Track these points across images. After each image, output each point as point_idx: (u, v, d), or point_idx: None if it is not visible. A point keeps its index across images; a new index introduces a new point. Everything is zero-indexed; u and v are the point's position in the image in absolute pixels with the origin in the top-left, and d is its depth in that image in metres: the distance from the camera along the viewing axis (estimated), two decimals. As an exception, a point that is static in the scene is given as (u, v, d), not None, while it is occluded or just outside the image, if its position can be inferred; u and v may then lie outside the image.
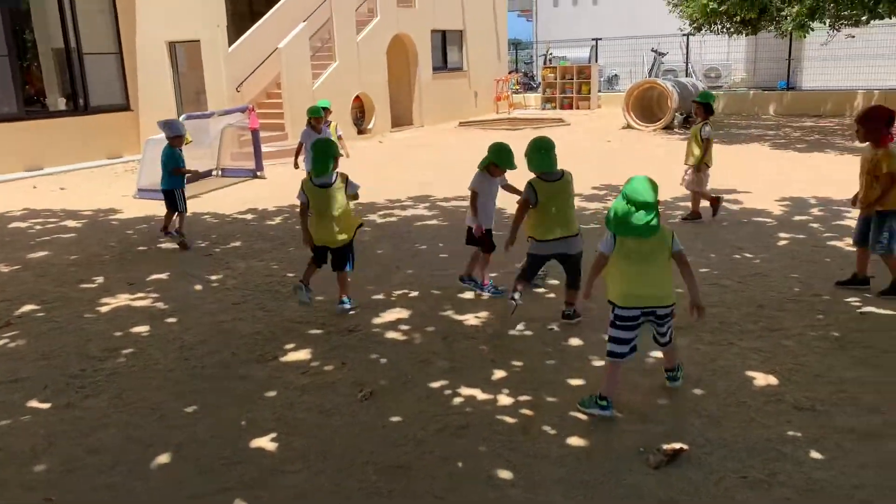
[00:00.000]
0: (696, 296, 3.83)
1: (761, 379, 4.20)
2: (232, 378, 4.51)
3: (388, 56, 17.67)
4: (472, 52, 21.07)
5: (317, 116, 9.14)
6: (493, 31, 22.10)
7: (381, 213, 9.18)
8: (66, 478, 3.47)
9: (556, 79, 22.60)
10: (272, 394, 4.26)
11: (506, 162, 5.52)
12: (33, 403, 4.25)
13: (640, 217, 3.59)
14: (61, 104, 14.59)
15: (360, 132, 17.17)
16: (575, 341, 4.86)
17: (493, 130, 18.25)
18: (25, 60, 14.14)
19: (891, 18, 14.21)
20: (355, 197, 5.63)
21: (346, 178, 5.51)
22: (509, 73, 24.71)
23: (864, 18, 14.19)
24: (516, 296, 5.16)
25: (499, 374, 4.40)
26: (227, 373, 4.59)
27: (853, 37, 15.83)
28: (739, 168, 11.39)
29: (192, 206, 9.67)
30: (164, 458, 3.61)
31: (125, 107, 15.17)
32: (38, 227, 9.05)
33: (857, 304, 5.33)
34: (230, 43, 14.35)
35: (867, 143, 5.45)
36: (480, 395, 4.12)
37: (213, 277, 6.67)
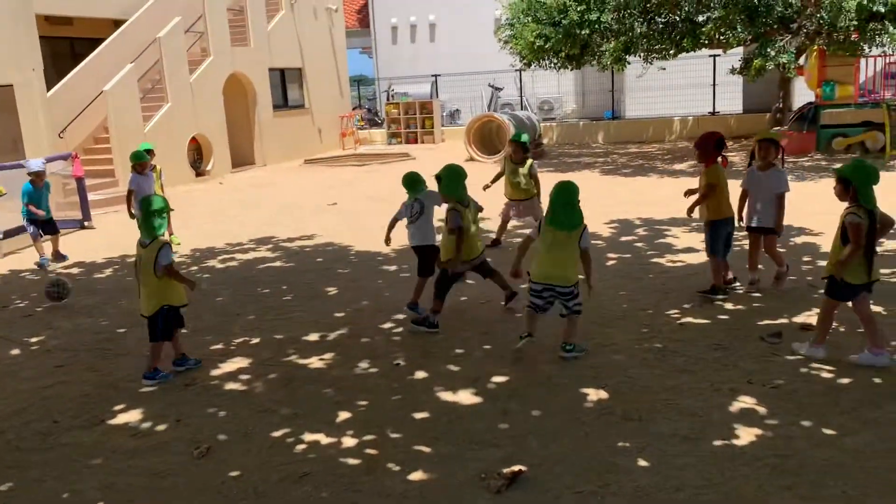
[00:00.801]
0: (589, 278, 4.98)
1: (593, 394, 4.42)
2: (53, 448, 4.15)
3: (225, 95, 17.26)
4: (314, 90, 21.01)
5: (142, 161, 8.76)
6: (333, 69, 22.17)
7: (220, 257, 8.88)
8: None
9: (399, 114, 22.96)
10: (98, 461, 3.96)
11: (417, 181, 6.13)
12: None
13: (567, 213, 4.84)
14: None
15: (199, 174, 16.59)
16: (421, 374, 4.90)
17: (340, 167, 18.25)
18: None
19: (695, 51, 15.67)
20: (165, 270, 4.92)
21: (161, 245, 4.93)
22: (353, 109, 24.85)
23: (671, 52, 15.55)
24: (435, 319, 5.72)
25: (343, 415, 4.34)
26: (47, 443, 4.23)
27: (664, 69, 17.26)
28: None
29: (11, 264, 8.96)
30: (-30, 548, 3.26)
31: (-72, 158, 13.77)
32: None
33: (677, 315, 5.75)
34: (49, 87, 13.46)
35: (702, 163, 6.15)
36: (324, 439, 4.04)
37: (34, 339, 6.16)
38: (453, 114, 25.03)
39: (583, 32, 15.01)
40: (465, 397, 4.50)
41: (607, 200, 11.29)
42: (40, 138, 13.07)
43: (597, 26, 14.92)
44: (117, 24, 16.41)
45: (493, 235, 8.48)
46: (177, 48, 15.61)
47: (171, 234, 9.35)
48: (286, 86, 20.11)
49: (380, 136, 23.92)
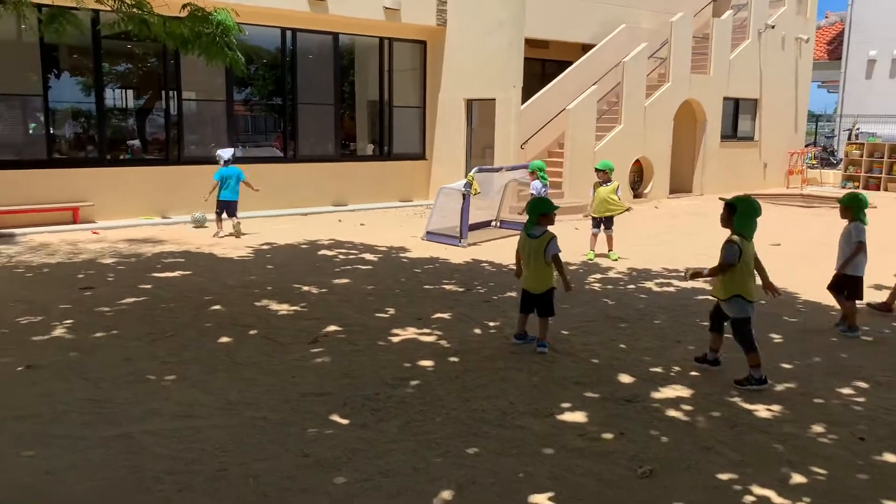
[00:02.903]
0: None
1: None
2: (510, 427, 4.59)
3: (675, 121, 17.34)
4: (767, 122, 19.91)
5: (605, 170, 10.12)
6: (792, 102, 20.71)
7: (657, 280, 8.91)
8: (362, 495, 3.74)
9: (862, 156, 20.52)
10: (549, 451, 4.25)
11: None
12: (335, 417, 4.69)
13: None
14: (368, 150, 16.33)
15: (636, 196, 16.96)
16: (891, 457, 4.25)
17: (782, 206, 17.01)
18: (346, 109, 16.07)
19: None
20: (555, 260, 6.06)
21: (551, 237, 6.04)
22: (806, 146, 22.94)
23: None
24: None
25: (797, 478, 3.97)
26: (505, 420, 4.68)
27: None
28: None
29: (476, 253, 10.19)
30: (446, 495, 3.75)
31: (421, 156, 16.55)
32: (342, 256, 10.12)
33: None
34: (521, 102, 15.05)
35: None
36: (776, 497, 3.74)
37: (491, 324, 6.92)
38: (932, 161, 21.49)
39: None
40: (954, 500, 3.77)
41: None
42: (508, 147, 14.74)
43: None
44: (585, 48, 17.59)
45: None
46: (638, 73, 16.15)
47: (611, 249, 10.07)
48: (738, 116, 19.41)
49: (832, 177, 21.71)
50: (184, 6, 6.96)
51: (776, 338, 6.62)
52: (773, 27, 19.23)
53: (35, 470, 3.94)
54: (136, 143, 13.70)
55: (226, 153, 11.81)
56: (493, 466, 4.07)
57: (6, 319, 6.76)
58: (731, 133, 19.35)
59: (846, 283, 6.79)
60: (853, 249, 6.72)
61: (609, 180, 10.11)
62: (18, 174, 11.70)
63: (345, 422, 4.62)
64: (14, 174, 11.66)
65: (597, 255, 10.22)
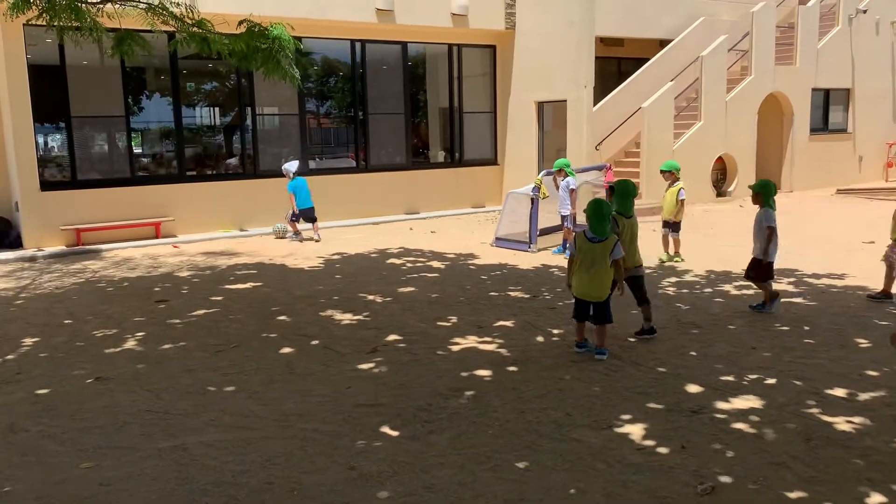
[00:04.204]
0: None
1: None
2: (564, 440, 4.40)
3: (759, 115, 16.57)
4: (861, 112, 18.78)
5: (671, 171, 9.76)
6: (889, 89, 19.46)
7: (736, 283, 8.48)
8: (403, 509, 3.66)
9: (969, 144, 19.07)
10: (603, 466, 4.04)
11: None
12: (385, 429, 4.61)
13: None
14: (440, 157, 16.32)
15: (720, 195, 16.29)
16: None
17: (880, 200, 15.97)
18: (416, 118, 16.12)
19: None
20: (616, 265, 5.82)
21: (616, 241, 5.84)
22: (906, 136, 21.50)
23: None
24: None
25: (876, 497, 3.63)
26: (560, 433, 4.50)
27: None
28: None
29: (544, 259, 9.97)
30: (491, 511, 3.61)
31: (493, 161, 16.42)
32: (409, 264, 10.10)
33: None
34: (595, 102, 14.71)
35: None
36: (852, 519, 3.43)
37: (555, 331, 6.71)
38: None
39: None
40: None
41: None
42: (581, 149, 14.42)
43: None
44: (662, 44, 17.06)
45: None
46: (717, 67, 15.53)
47: (677, 252, 9.77)
48: (828, 107, 18.39)
49: (938, 168, 20.23)
50: (240, 22, 7.11)
51: (863, 342, 6.15)
52: (864, 12, 18.14)
53: (90, 482, 4.03)
54: (235, 160, 14.09)
55: (292, 166, 12.35)
56: (543, 482, 3.90)
57: (84, 332, 7.04)
58: (822, 125, 18.35)
59: (758, 268, 7.06)
60: (766, 235, 6.91)
61: (676, 180, 9.76)
62: (104, 192, 12.24)
63: (395, 434, 4.54)
64: (100, 192, 12.22)
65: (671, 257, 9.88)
